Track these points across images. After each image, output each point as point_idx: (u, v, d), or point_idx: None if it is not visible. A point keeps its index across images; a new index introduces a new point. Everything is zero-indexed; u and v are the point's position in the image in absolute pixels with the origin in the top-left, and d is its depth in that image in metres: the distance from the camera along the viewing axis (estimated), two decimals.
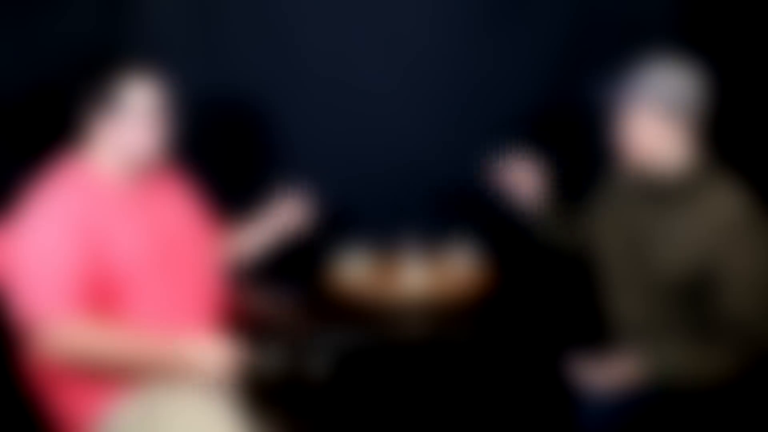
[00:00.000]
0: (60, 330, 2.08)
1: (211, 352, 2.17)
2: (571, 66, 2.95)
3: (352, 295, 2.56)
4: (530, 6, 3.01)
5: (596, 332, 2.42)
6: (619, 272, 2.35)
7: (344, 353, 2.61)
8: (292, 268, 2.77)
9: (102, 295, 2.14)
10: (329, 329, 2.50)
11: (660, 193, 2.29)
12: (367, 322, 2.48)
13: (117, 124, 2.23)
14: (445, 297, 2.54)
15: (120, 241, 2.20)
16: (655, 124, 2.23)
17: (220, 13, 2.98)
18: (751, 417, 2.25)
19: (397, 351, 2.59)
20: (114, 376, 2.15)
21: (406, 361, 2.78)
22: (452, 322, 2.49)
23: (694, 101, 2.23)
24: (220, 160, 2.89)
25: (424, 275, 2.61)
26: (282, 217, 2.62)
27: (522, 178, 2.60)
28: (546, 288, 2.69)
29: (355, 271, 2.63)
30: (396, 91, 3.04)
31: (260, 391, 2.39)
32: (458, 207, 3.00)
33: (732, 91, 2.91)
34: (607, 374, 2.25)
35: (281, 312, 2.58)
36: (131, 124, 2.24)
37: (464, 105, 3.06)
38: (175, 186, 2.44)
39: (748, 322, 2.16)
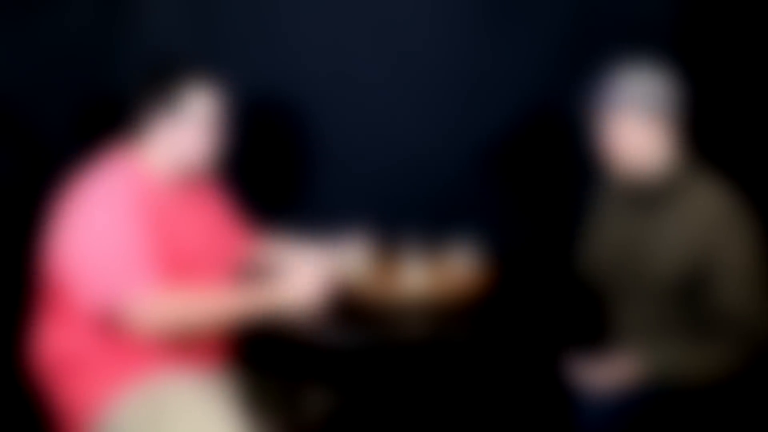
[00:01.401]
0: (150, 304, 2.11)
1: (298, 285, 2.27)
2: (569, 65, 2.95)
3: (352, 294, 2.56)
4: (529, 5, 3.02)
5: (596, 332, 2.42)
6: (617, 279, 2.36)
7: (344, 353, 2.61)
8: None
9: (171, 274, 2.19)
10: (330, 329, 2.50)
11: (647, 197, 2.30)
12: (367, 322, 2.48)
13: (176, 128, 2.26)
14: (445, 297, 2.54)
15: (174, 232, 2.26)
16: (637, 127, 2.24)
17: (219, 12, 2.99)
18: (751, 415, 2.25)
19: (397, 351, 2.59)
20: (199, 339, 2.22)
21: (406, 361, 2.78)
22: (452, 322, 2.49)
23: (674, 103, 2.25)
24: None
25: (424, 275, 2.61)
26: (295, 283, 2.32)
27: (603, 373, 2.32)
28: (545, 288, 2.69)
29: (355, 270, 2.63)
30: (395, 90, 3.04)
31: (261, 390, 2.40)
32: (458, 207, 3.01)
33: (725, 91, 2.93)
34: (607, 374, 2.25)
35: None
36: (190, 129, 2.27)
37: (464, 104, 3.07)
38: (212, 195, 2.46)
39: (742, 316, 2.18)
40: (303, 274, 2.30)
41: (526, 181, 3.13)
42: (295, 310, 2.26)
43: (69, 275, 2.15)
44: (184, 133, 2.27)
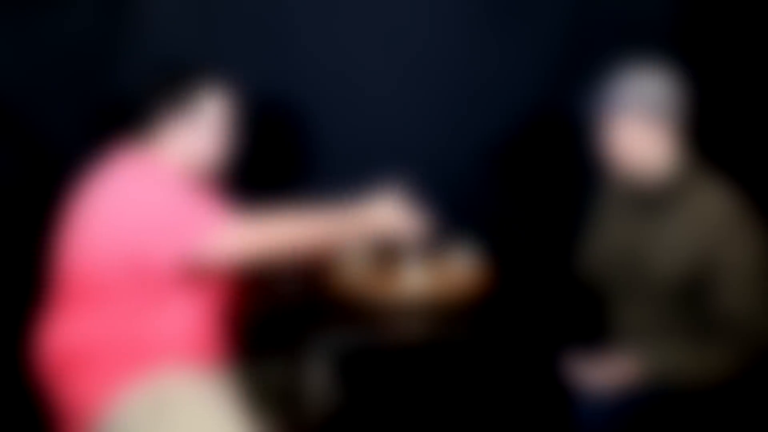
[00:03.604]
0: (232, 232, 2.14)
1: (384, 210, 2.26)
2: (571, 66, 2.95)
3: (352, 295, 2.56)
4: (530, 7, 3.02)
5: (595, 332, 2.42)
6: (618, 281, 2.36)
7: (344, 354, 2.62)
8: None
9: None
10: (329, 329, 2.51)
11: (649, 199, 2.30)
12: (367, 322, 2.48)
13: (188, 131, 2.28)
14: (444, 297, 2.55)
15: None
16: (640, 129, 2.24)
17: (221, 13, 2.99)
18: (751, 417, 2.25)
19: (396, 351, 2.60)
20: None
21: (406, 362, 2.78)
22: (452, 322, 2.49)
23: (677, 105, 2.24)
24: None
25: (424, 275, 2.61)
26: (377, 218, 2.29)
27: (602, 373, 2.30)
28: (545, 288, 2.69)
29: (355, 271, 2.63)
30: (396, 91, 3.04)
31: (262, 390, 2.41)
32: (458, 207, 3.01)
33: (728, 93, 2.93)
34: (607, 374, 2.25)
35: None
36: (202, 132, 2.29)
37: (464, 105, 3.07)
38: (213, 200, 2.47)
39: (745, 318, 2.17)
40: (388, 200, 2.29)
41: (526, 182, 3.13)
42: (387, 229, 2.26)
43: (119, 252, 2.14)
44: (196, 136, 2.29)
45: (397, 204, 2.28)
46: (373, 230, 2.26)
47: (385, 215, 2.27)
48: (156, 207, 2.15)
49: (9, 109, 2.83)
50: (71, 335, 2.21)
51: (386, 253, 2.70)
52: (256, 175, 2.96)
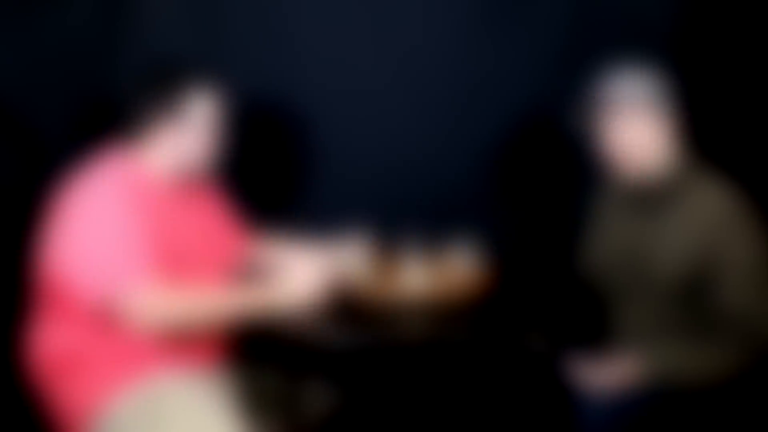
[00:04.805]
0: (147, 298, 2.10)
1: (296, 282, 2.27)
2: (569, 66, 2.95)
3: (352, 295, 2.56)
4: (528, 6, 3.02)
5: (597, 332, 2.42)
6: (619, 281, 2.36)
7: (344, 354, 2.61)
8: None
9: (168, 273, 2.18)
10: (330, 329, 2.50)
11: (649, 198, 2.30)
12: (367, 322, 2.48)
13: (177, 131, 2.27)
14: (445, 297, 2.54)
15: (172, 232, 2.25)
16: (639, 128, 2.25)
17: (219, 12, 2.99)
18: (752, 416, 2.25)
19: (397, 351, 2.59)
20: (199, 335, 2.21)
21: (406, 361, 2.78)
22: (452, 322, 2.49)
23: (675, 103, 2.25)
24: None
25: (424, 275, 2.61)
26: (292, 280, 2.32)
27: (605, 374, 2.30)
28: (546, 288, 2.69)
29: (355, 270, 2.62)
30: (395, 91, 3.04)
31: (260, 390, 2.40)
32: (458, 207, 3.01)
33: (726, 91, 2.93)
34: (608, 375, 2.25)
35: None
36: (191, 132, 2.28)
37: (464, 105, 3.07)
38: (210, 197, 2.46)
39: (746, 317, 2.18)
40: (300, 272, 2.30)
41: (525, 182, 3.13)
42: (292, 308, 2.26)
43: (67, 272, 2.15)
44: (185, 136, 2.28)
45: (309, 277, 2.29)
46: (278, 304, 2.25)
47: (294, 290, 2.27)
48: (93, 239, 2.13)
49: (5, 106, 2.82)
50: (64, 338, 2.20)
51: (386, 253, 2.70)
52: (252, 173, 2.96)
